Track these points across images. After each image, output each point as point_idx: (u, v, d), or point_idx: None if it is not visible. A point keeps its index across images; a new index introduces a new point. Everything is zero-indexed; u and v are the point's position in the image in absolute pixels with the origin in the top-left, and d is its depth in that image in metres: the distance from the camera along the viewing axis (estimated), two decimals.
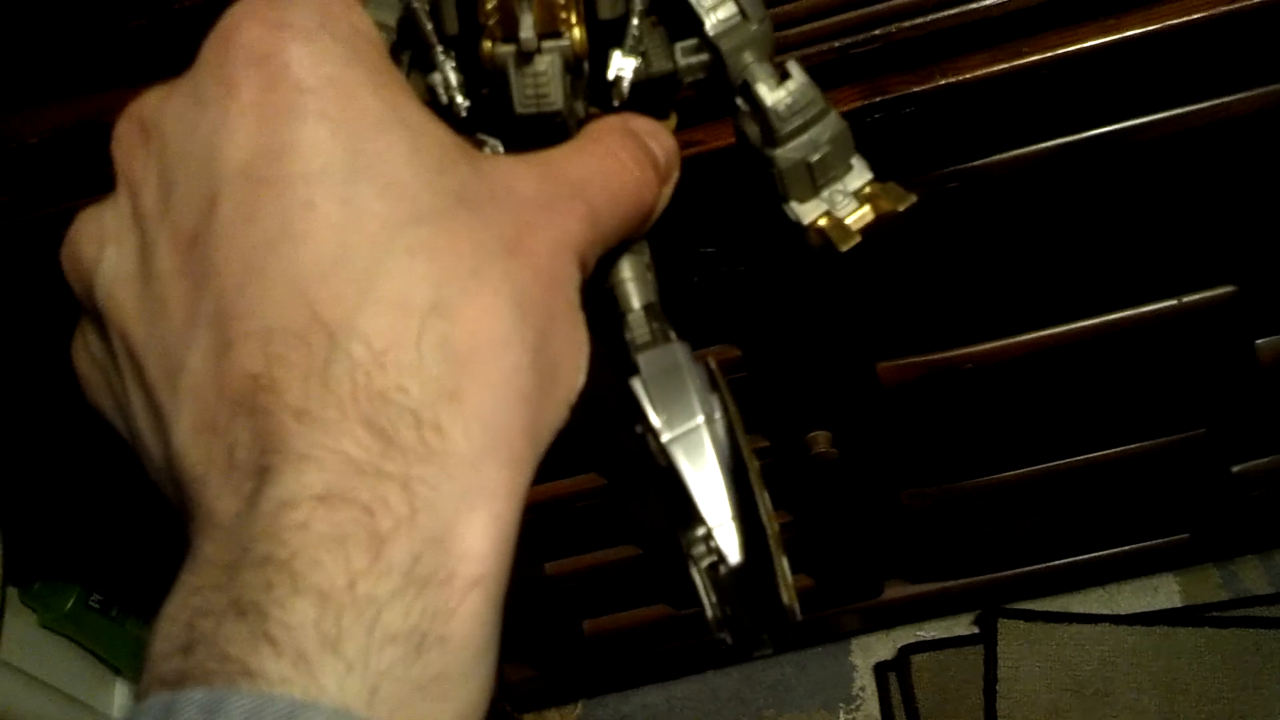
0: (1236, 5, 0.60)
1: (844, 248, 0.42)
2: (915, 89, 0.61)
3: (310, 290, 0.28)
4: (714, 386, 0.38)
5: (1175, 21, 0.60)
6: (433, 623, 0.27)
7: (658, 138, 0.38)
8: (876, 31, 0.59)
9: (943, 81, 0.62)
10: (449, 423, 0.28)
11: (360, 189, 0.29)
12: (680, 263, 0.75)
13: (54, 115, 0.58)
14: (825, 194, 0.43)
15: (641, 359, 0.38)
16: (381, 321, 0.28)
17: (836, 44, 0.59)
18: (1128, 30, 0.61)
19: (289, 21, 0.31)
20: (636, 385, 0.37)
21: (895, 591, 1.30)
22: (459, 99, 0.38)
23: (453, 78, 0.38)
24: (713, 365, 0.40)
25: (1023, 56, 0.61)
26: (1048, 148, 0.69)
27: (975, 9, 0.59)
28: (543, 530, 1.03)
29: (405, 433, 0.27)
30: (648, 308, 0.40)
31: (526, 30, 0.36)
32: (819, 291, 0.80)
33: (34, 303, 0.68)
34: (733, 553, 0.36)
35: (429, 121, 0.32)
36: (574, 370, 0.31)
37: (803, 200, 0.43)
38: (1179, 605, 1.32)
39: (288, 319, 0.28)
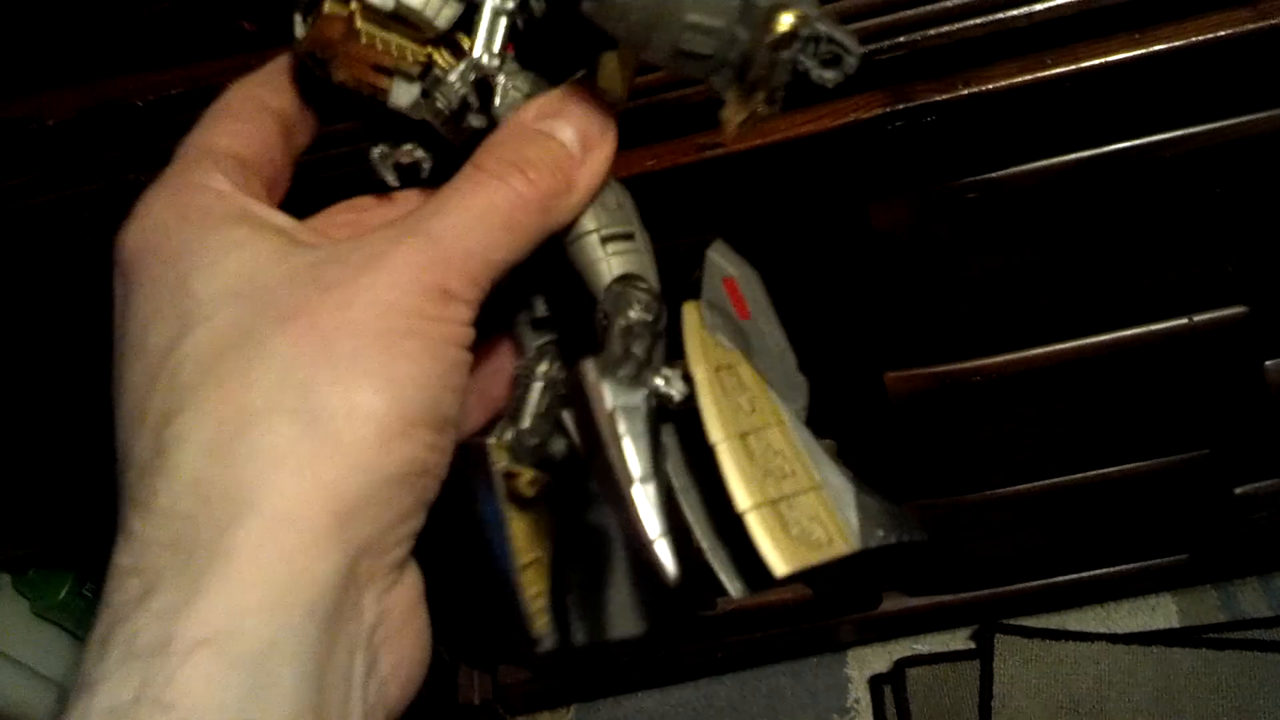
0: (1264, 23, 0.60)
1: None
2: (938, 97, 0.61)
3: (124, 441, 0.34)
4: (651, 362, 0.37)
5: (1202, 38, 0.60)
6: (151, 689, 0.29)
7: (565, 115, 0.39)
8: (902, 39, 0.59)
9: (966, 91, 0.62)
10: (195, 509, 0.31)
11: (150, 349, 0.34)
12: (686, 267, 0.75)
13: (74, 98, 0.58)
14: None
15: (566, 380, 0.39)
16: (145, 446, 0.33)
17: (861, 49, 0.58)
18: (1154, 45, 0.60)
19: (133, 211, 0.37)
20: (565, 418, 0.38)
21: (893, 604, 1.30)
22: (419, 158, 0.42)
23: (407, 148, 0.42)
24: (692, 314, 0.39)
25: (1048, 68, 0.61)
26: (1067, 161, 0.69)
27: (1003, 19, 0.58)
28: None
29: (160, 532, 0.31)
30: (602, 299, 0.39)
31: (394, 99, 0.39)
32: (828, 298, 0.80)
33: (47, 284, 0.67)
34: (668, 568, 0.35)
35: (245, 240, 0.35)
36: (362, 417, 0.33)
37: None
38: (1176, 625, 1.31)
39: (123, 466, 0.34)
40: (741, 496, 0.35)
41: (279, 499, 0.31)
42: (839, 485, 0.37)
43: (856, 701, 1.36)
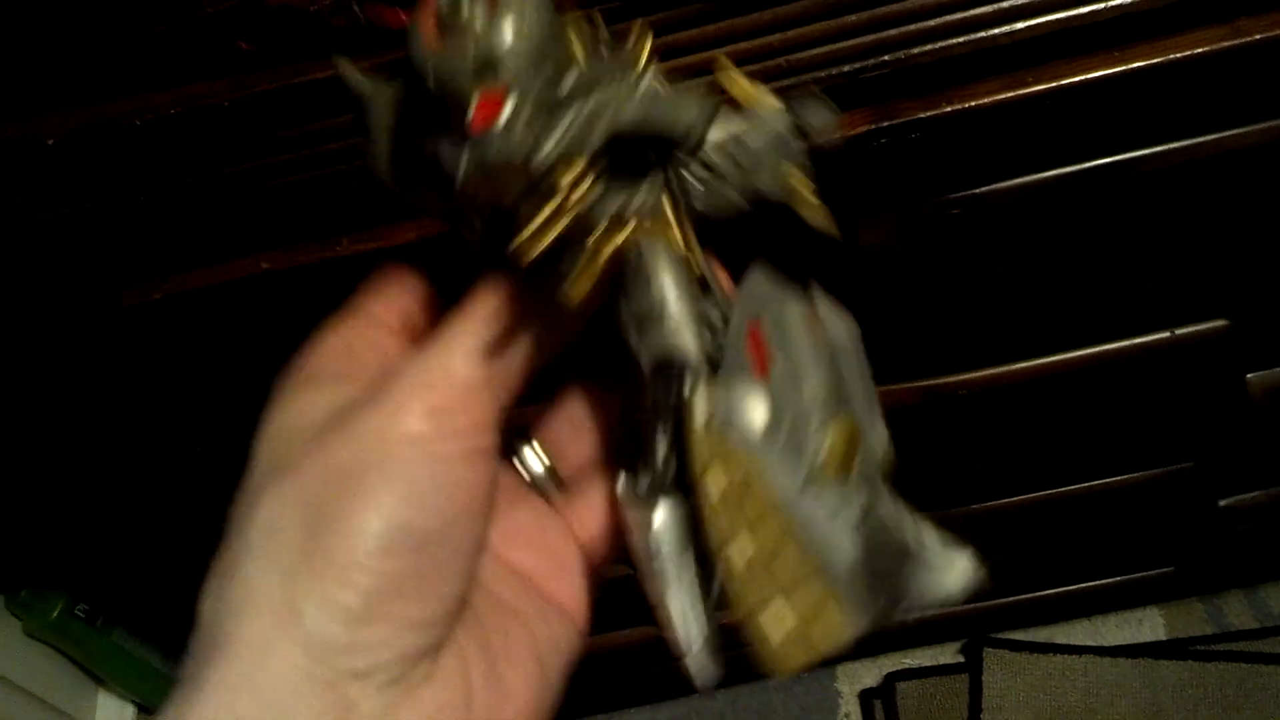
0: (1240, 41, 0.61)
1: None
2: (922, 114, 0.62)
3: None
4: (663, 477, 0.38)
5: (1180, 55, 0.61)
6: None
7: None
8: (886, 57, 0.60)
9: (949, 108, 0.63)
10: (197, 649, 0.35)
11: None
12: None
13: (71, 117, 0.58)
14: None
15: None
16: None
17: (847, 68, 0.59)
18: (1133, 62, 0.62)
19: None
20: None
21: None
22: None
23: None
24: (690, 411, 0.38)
25: (1029, 85, 0.62)
26: (1050, 177, 0.70)
27: (984, 38, 0.59)
28: None
29: (180, 669, 0.35)
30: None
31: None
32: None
33: (43, 303, 0.68)
34: (698, 682, 0.36)
35: (295, 396, 0.39)
36: (322, 556, 0.35)
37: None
38: (1163, 638, 1.32)
39: None
40: (740, 605, 0.36)
41: (250, 634, 0.34)
42: (850, 574, 0.37)
43: (846, 716, 1.37)
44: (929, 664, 1.36)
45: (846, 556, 0.37)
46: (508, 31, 0.31)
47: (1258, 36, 0.61)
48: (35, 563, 1.33)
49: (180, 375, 0.78)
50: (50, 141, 0.58)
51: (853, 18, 0.58)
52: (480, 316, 0.38)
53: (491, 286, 0.38)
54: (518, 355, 0.38)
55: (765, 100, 0.38)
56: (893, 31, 0.59)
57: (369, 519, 0.34)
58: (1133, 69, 0.62)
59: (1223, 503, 1.10)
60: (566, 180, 0.33)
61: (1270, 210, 0.75)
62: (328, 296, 0.69)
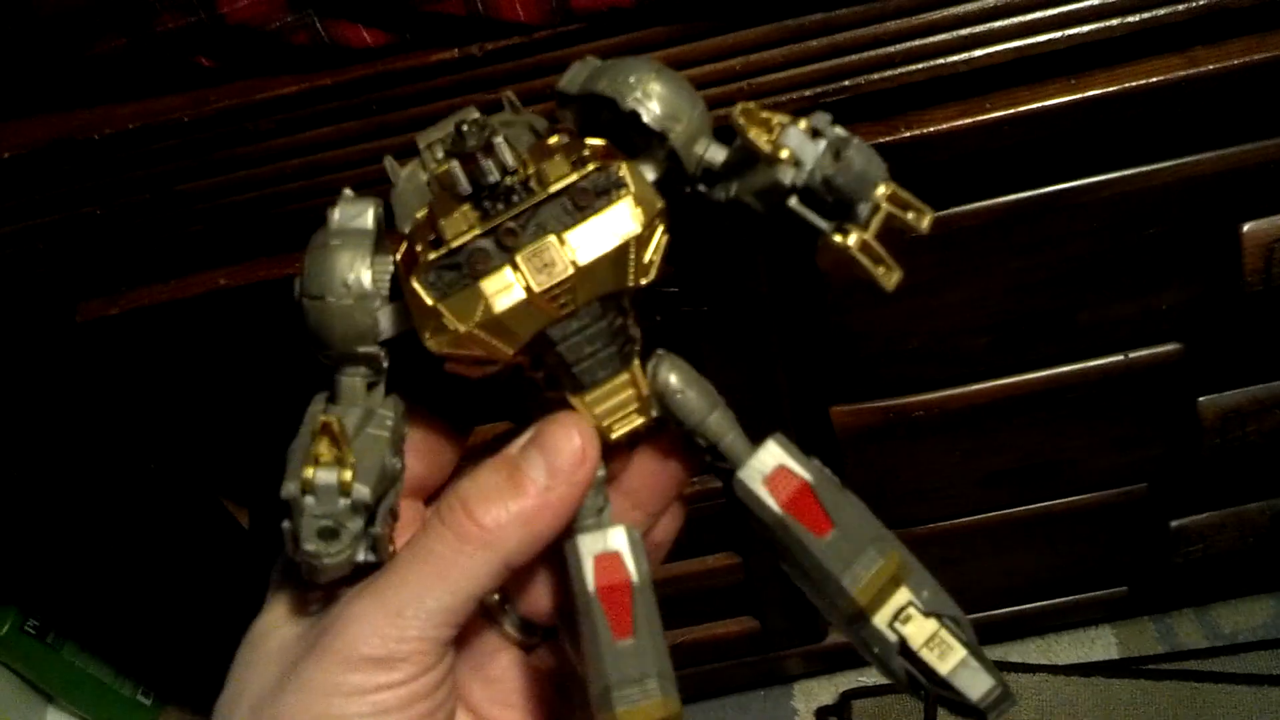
0: (1195, 70, 0.62)
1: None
2: (881, 139, 0.63)
3: None
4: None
5: (1136, 84, 0.62)
6: None
7: (538, 442, 0.39)
8: (847, 83, 0.60)
9: (908, 133, 0.63)
10: None
11: None
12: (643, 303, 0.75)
13: (30, 131, 0.58)
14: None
15: None
16: None
17: (808, 93, 0.60)
18: (1089, 90, 0.62)
19: None
20: None
21: (838, 636, 1.30)
22: None
23: None
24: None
25: (986, 111, 0.63)
26: (1007, 202, 0.71)
27: (943, 64, 0.60)
28: None
29: None
30: None
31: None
32: (776, 334, 0.81)
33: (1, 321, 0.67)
34: None
35: (279, 605, 0.39)
36: None
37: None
38: (1116, 657, 1.33)
39: None
40: None
41: None
42: None
43: None
44: (885, 682, 1.36)
45: None
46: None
47: (1212, 67, 0.62)
48: None
49: (135, 392, 0.77)
50: (6, 155, 0.58)
51: (814, 43, 0.59)
52: (432, 573, 0.37)
53: (441, 511, 0.38)
54: (468, 605, 0.38)
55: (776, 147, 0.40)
56: (853, 58, 0.59)
57: None
58: (1089, 96, 0.63)
59: (1174, 524, 1.11)
60: None
61: (1221, 236, 0.76)
62: (286, 314, 0.69)
